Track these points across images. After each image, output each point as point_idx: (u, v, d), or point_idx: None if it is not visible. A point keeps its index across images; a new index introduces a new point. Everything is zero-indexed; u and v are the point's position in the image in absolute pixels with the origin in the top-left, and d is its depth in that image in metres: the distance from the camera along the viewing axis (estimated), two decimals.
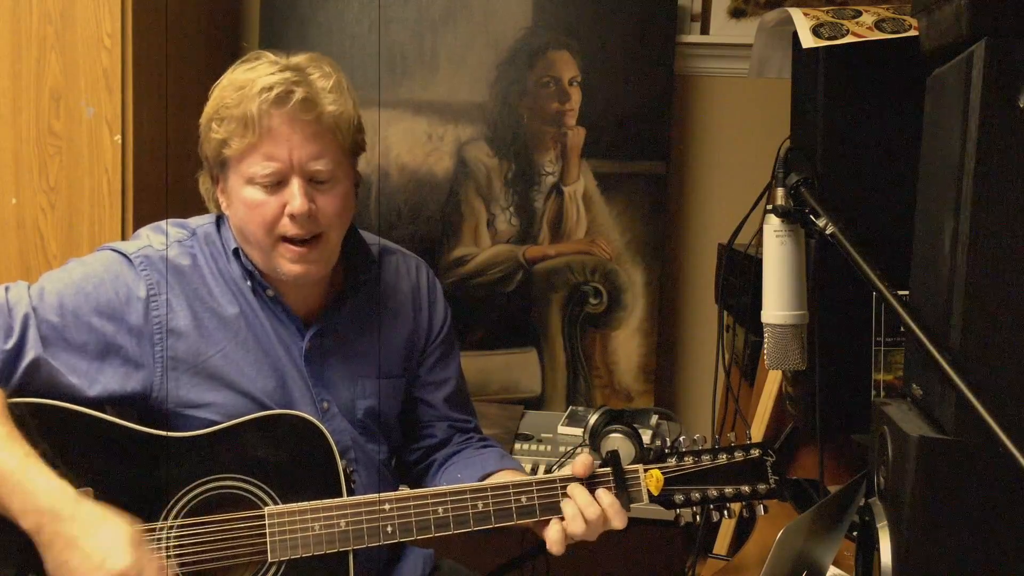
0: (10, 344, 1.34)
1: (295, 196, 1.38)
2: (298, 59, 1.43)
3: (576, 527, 1.38)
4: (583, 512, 1.38)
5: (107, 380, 1.39)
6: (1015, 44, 0.98)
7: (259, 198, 1.39)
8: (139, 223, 1.58)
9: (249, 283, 1.47)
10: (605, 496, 1.40)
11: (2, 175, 2.10)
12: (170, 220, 1.52)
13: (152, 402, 1.42)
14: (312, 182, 1.40)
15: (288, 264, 1.41)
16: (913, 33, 1.55)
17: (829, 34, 1.60)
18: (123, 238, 2.05)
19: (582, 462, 1.41)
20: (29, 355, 1.35)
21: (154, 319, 1.41)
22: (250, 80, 1.37)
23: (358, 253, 1.55)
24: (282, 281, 1.47)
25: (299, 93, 1.36)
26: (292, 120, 1.37)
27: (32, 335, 1.36)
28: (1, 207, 2.10)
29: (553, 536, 1.39)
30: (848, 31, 1.60)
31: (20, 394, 1.35)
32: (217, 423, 1.39)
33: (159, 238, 1.48)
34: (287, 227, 1.39)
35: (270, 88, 1.36)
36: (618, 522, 1.39)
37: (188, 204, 1.60)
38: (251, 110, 1.35)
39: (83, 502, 1.26)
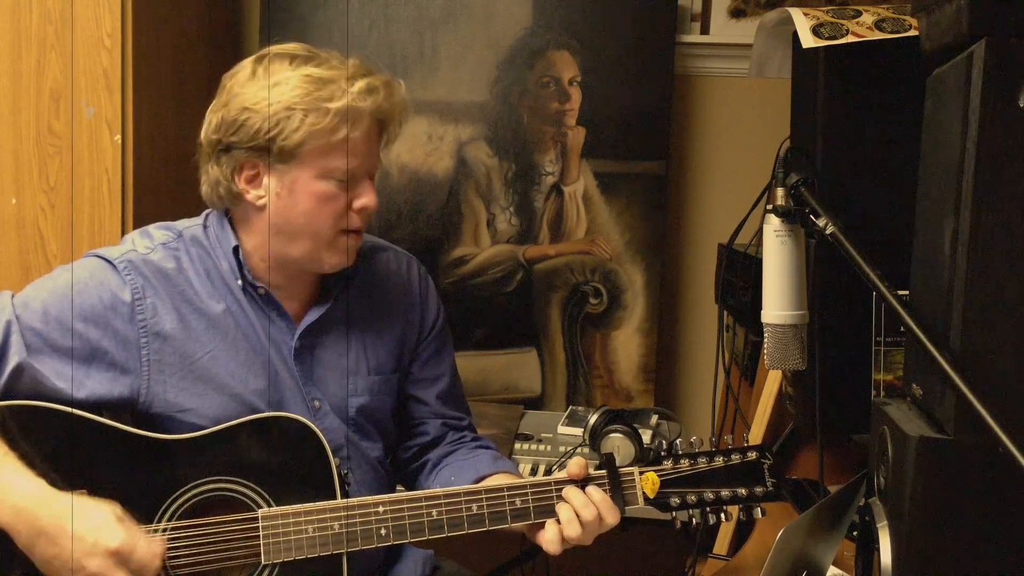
0: None
1: (370, 193, 1.45)
2: (372, 70, 1.47)
3: (572, 530, 1.37)
4: (579, 514, 1.37)
5: (94, 384, 1.39)
6: (1015, 44, 0.98)
7: (333, 191, 1.42)
8: (139, 223, 1.58)
9: (240, 282, 1.47)
10: (595, 492, 1.39)
11: (2, 175, 2.10)
12: (157, 223, 1.52)
13: (140, 407, 1.41)
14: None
15: (341, 255, 1.46)
16: (913, 33, 1.55)
17: (829, 34, 1.60)
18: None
19: (576, 463, 1.41)
20: (12, 360, 1.35)
21: (140, 323, 1.41)
22: (341, 76, 1.40)
23: None
24: (275, 279, 1.48)
25: (395, 100, 1.45)
26: (380, 124, 1.46)
27: (15, 340, 1.36)
28: (1, 207, 2.10)
29: (550, 536, 1.38)
30: (848, 31, 1.60)
31: (6, 400, 1.34)
32: (207, 426, 1.39)
33: (144, 242, 1.47)
34: (354, 220, 1.45)
35: (376, 91, 1.42)
36: (610, 518, 1.38)
37: (189, 204, 1.60)
38: (358, 106, 1.39)
39: (59, 495, 1.26)
